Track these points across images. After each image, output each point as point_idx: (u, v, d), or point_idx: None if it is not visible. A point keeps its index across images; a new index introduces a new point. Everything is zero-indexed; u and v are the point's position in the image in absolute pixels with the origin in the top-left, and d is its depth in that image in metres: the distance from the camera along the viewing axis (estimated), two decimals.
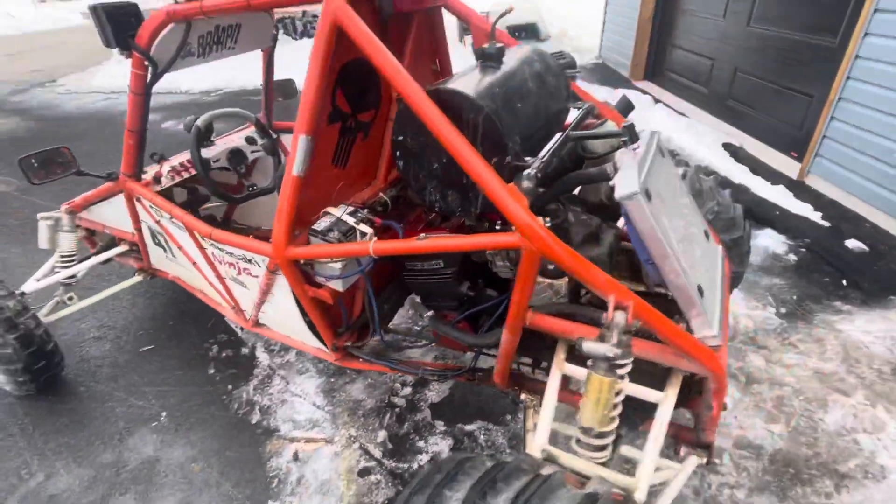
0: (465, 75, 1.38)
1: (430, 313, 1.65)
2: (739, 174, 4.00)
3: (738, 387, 2.18)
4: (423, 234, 1.29)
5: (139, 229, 2.24)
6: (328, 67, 1.32)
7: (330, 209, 1.48)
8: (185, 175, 2.23)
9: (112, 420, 2.20)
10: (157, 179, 2.11)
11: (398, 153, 1.39)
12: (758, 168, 4.13)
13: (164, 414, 2.22)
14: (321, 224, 1.44)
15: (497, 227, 1.45)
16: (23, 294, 2.22)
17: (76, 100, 7.01)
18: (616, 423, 1.19)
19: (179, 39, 1.69)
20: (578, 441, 1.24)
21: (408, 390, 2.27)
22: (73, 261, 2.42)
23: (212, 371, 2.43)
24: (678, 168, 1.83)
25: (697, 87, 5.71)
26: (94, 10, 1.58)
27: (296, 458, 2.01)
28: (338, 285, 1.53)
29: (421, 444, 2.03)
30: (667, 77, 6.41)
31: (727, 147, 4.55)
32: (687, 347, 1.22)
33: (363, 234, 1.45)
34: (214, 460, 2.02)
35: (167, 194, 2.15)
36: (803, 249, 3.09)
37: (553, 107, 1.50)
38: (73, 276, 2.44)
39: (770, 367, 2.27)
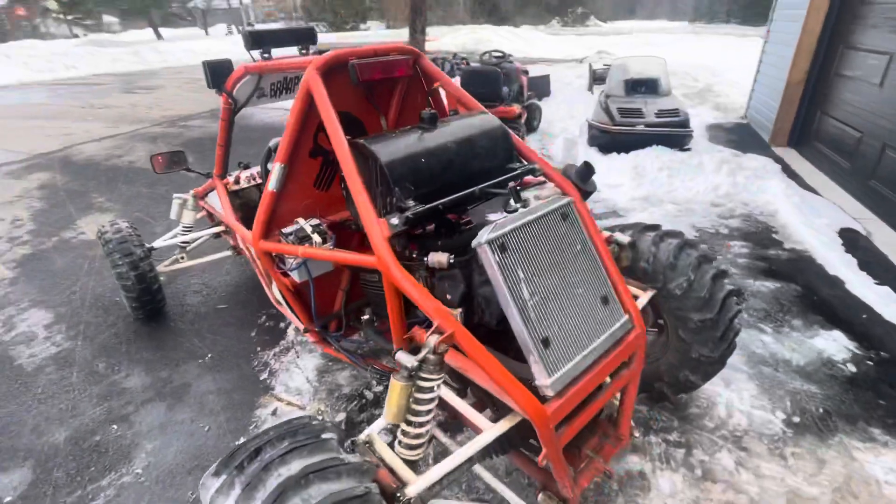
0: (398, 133, 1.72)
1: (365, 316, 2.00)
2: (839, 265, 3.46)
3: (689, 478, 2.04)
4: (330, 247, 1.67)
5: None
6: (304, 118, 1.81)
7: (299, 219, 1.94)
8: (260, 181, 2.95)
9: (178, 350, 2.98)
10: (236, 181, 2.86)
11: (343, 185, 1.79)
12: (872, 262, 3.52)
13: (209, 356, 2.93)
14: (289, 229, 1.91)
15: (413, 255, 1.75)
16: (151, 248, 3.16)
17: (262, 113, 8.98)
18: (424, 427, 1.40)
19: (253, 85, 2.37)
20: (399, 440, 1.47)
21: (379, 388, 2.61)
22: (190, 231, 3.34)
23: (253, 334, 3.09)
24: (610, 233, 1.88)
25: (840, 160, 4.99)
26: (203, 63, 2.34)
27: (274, 413, 2.50)
28: (295, 276, 1.99)
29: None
30: (812, 146, 5.68)
31: (844, 233, 3.93)
32: (503, 383, 1.35)
33: (317, 242, 1.88)
34: (224, 397, 2.62)
35: (247, 193, 2.90)
36: (871, 363, 2.61)
37: (478, 165, 1.75)
38: (187, 243, 3.35)
39: (738, 471, 2.06)
